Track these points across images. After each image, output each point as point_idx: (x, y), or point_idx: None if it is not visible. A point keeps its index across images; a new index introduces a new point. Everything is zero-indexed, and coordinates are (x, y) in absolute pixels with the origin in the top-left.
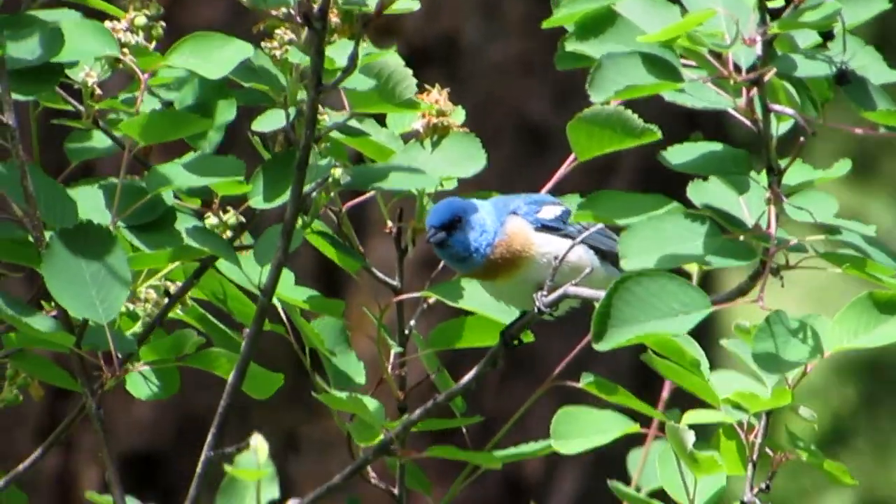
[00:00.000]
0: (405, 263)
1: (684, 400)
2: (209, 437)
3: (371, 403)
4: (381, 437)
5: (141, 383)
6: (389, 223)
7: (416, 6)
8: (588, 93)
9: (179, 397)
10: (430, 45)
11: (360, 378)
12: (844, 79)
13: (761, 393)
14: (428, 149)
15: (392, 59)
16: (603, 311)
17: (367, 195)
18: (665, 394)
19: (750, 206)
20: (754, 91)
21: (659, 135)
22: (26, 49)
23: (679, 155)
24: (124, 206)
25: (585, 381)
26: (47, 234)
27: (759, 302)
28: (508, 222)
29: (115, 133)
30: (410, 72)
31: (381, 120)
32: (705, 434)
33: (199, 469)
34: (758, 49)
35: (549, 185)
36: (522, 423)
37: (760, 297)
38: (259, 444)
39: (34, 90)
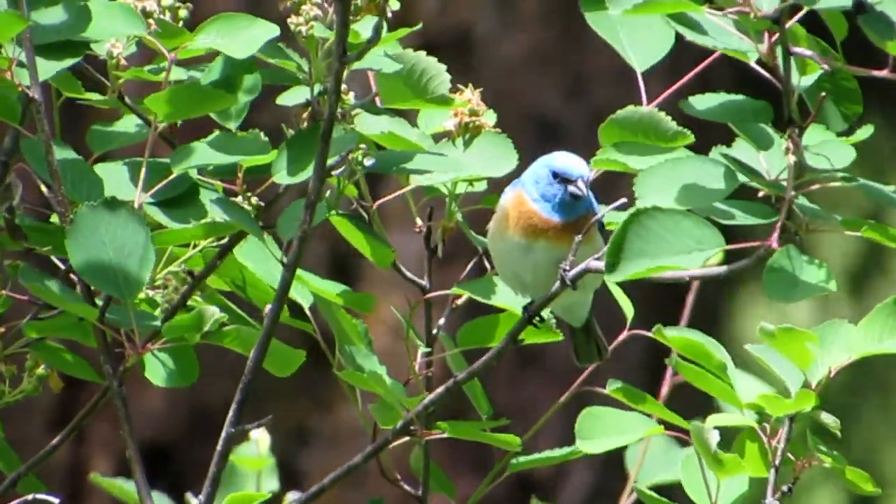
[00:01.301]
0: (422, 261)
1: (684, 396)
2: (230, 414)
3: (391, 382)
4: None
5: (160, 370)
6: (419, 222)
7: None
8: (608, 5)
9: (189, 388)
10: (443, 37)
11: (382, 374)
12: (862, 8)
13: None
14: (459, 148)
15: (425, 55)
16: (617, 243)
17: (396, 193)
18: (664, 390)
19: (770, 163)
20: (776, 35)
21: (692, 138)
22: (53, 25)
23: (701, 102)
24: (150, 183)
25: (612, 388)
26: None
27: (773, 243)
28: (590, 213)
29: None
30: (444, 67)
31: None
32: (726, 439)
33: (219, 447)
34: None
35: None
36: (530, 418)
37: (772, 238)
38: (261, 435)
39: (58, 62)
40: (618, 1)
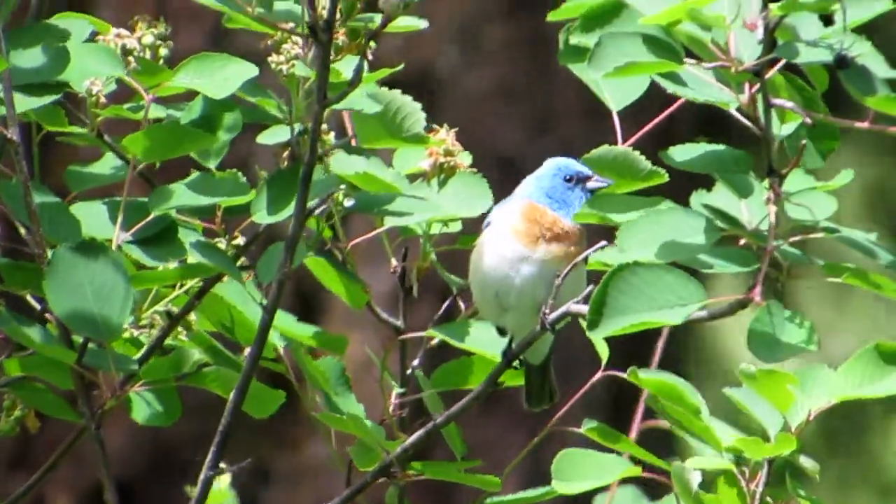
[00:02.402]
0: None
1: (650, 441)
2: (209, 457)
3: (371, 424)
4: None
5: (143, 408)
6: (394, 262)
7: (424, 25)
8: (588, 69)
9: (151, 427)
10: (406, 74)
11: (359, 413)
12: (844, 63)
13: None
14: (435, 188)
15: (399, 94)
16: (599, 300)
17: (370, 234)
18: (633, 434)
19: (751, 211)
20: (756, 86)
21: (666, 177)
22: (32, 68)
23: (682, 153)
24: (129, 223)
25: (587, 427)
26: (49, 252)
27: (756, 297)
28: (580, 226)
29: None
30: (419, 106)
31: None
32: (703, 483)
33: (198, 490)
34: (759, 34)
35: None
36: (494, 454)
37: (754, 293)
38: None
39: (38, 99)
40: (599, 63)
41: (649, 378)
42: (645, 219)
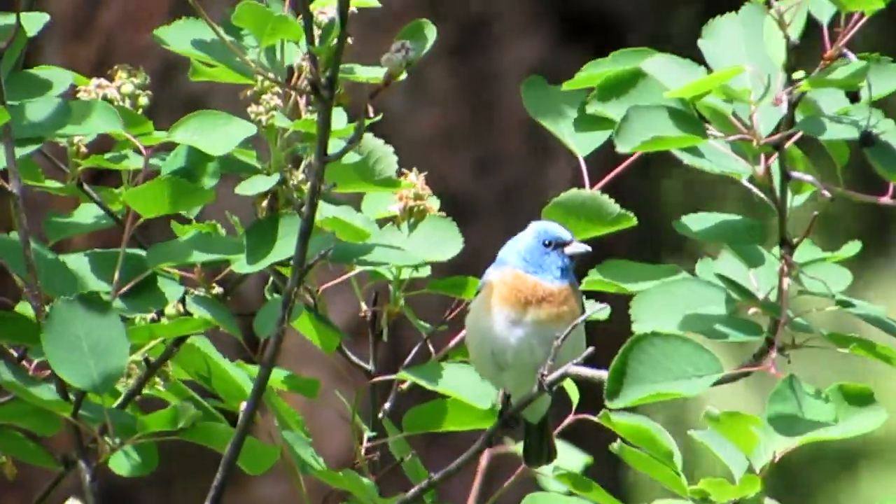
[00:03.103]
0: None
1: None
2: None
3: (365, 480)
4: None
5: (123, 460)
6: (364, 306)
7: (403, 76)
8: (615, 144)
9: (106, 473)
10: (353, 114)
11: (321, 468)
12: (870, 140)
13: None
14: (405, 232)
15: (372, 137)
16: (618, 369)
17: (340, 278)
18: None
19: (759, 279)
20: (773, 158)
21: (635, 221)
22: (35, 122)
23: (696, 223)
24: (103, 271)
25: (557, 474)
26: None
27: (771, 368)
28: (573, 284)
29: (103, 201)
30: (391, 149)
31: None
32: None
33: None
34: (782, 109)
35: None
36: (445, 489)
37: (770, 364)
38: None
39: (20, 149)
40: (626, 138)
41: (622, 422)
42: (659, 289)
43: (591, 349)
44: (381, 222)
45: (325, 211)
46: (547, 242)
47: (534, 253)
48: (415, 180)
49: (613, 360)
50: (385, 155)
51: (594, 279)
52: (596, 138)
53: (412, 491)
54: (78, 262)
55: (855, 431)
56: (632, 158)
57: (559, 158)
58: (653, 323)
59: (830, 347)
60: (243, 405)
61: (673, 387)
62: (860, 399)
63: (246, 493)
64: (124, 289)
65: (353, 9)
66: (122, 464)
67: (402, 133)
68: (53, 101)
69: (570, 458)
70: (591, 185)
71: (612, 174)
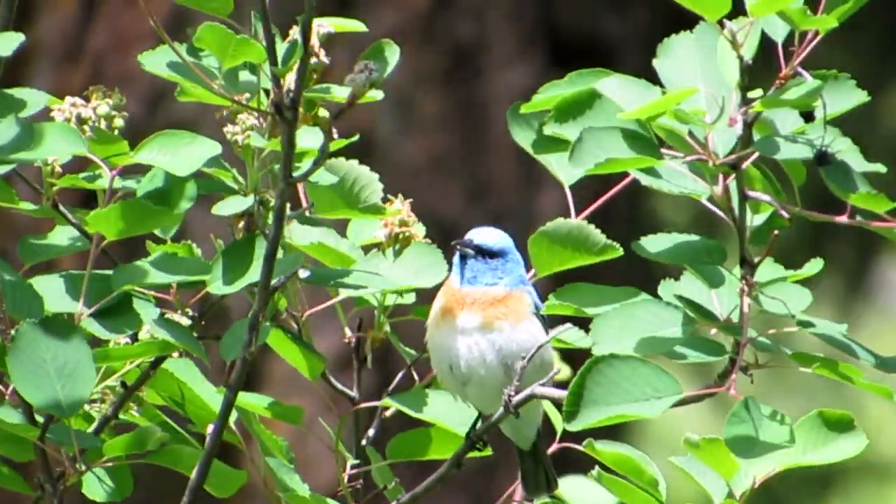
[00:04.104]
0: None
1: None
2: None
3: None
4: None
5: (96, 485)
6: (348, 332)
7: (380, 96)
8: (569, 164)
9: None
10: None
11: (305, 494)
12: (825, 160)
13: None
14: (390, 258)
15: (357, 164)
16: (575, 392)
17: (326, 303)
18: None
19: (721, 300)
20: (731, 178)
21: (621, 251)
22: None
23: (654, 244)
24: (76, 289)
25: (540, 502)
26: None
27: (731, 391)
28: (521, 288)
29: (80, 223)
30: (377, 176)
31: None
32: None
33: None
34: (738, 129)
35: None
36: None
37: (731, 383)
38: None
39: None
40: (579, 159)
41: (606, 450)
42: (618, 311)
43: (557, 369)
44: (367, 248)
45: (307, 235)
46: (462, 254)
47: (454, 264)
48: (400, 207)
49: (570, 382)
50: (370, 182)
51: (553, 304)
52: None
53: None
54: (52, 284)
55: (835, 458)
56: (621, 185)
57: (550, 186)
58: (613, 345)
59: (793, 366)
60: (210, 428)
61: (632, 409)
62: (840, 426)
63: None
64: (93, 309)
65: (330, 32)
66: (96, 490)
67: (392, 159)
68: (14, 122)
69: (597, 498)
70: (583, 211)
71: (599, 202)
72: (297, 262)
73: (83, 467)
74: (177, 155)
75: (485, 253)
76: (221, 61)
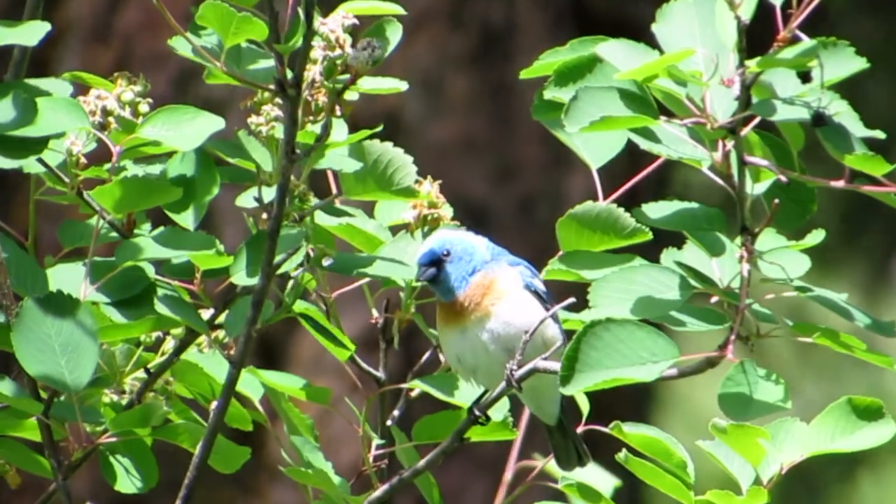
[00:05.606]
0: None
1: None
2: None
3: (339, 480)
4: None
5: (126, 479)
6: (375, 313)
7: (405, 87)
8: (564, 122)
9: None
10: (371, 123)
11: (328, 471)
12: (821, 121)
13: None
14: (418, 240)
15: (391, 146)
16: (571, 356)
17: (354, 284)
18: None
19: (723, 269)
20: (730, 144)
21: (650, 235)
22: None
23: (655, 211)
24: (98, 277)
25: (565, 484)
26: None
27: (728, 354)
28: (498, 268)
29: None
30: (411, 159)
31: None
32: None
33: None
34: (735, 90)
35: None
36: (460, 501)
37: (727, 351)
38: None
39: (17, 157)
40: (574, 118)
41: (634, 433)
42: (617, 275)
43: (560, 343)
44: (395, 229)
45: (337, 217)
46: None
47: (436, 289)
48: (430, 189)
49: (567, 347)
50: (405, 164)
51: (555, 269)
52: (610, 149)
53: (381, 488)
54: (61, 269)
55: (863, 445)
56: (650, 168)
57: (578, 168)
58: (609, 309)
59: (794, 337)
60: (214, 404)
61: (628, 372)
62: (869, 413)
63: (260, 500)
64: (97, 284)
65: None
66: (126, 483)
67: (420, 141)
68: (21, 101)
69: (601, 479)
70: (611, 194)
71: (627, 185)
72: (300, 239)
73: (86, 442)
74: (181, 130)
75: (436, 262)
76: (223, 38)
